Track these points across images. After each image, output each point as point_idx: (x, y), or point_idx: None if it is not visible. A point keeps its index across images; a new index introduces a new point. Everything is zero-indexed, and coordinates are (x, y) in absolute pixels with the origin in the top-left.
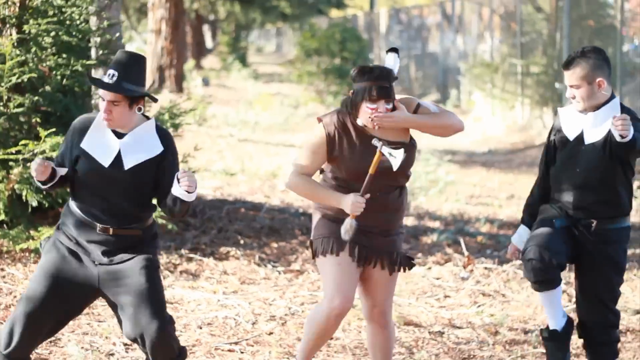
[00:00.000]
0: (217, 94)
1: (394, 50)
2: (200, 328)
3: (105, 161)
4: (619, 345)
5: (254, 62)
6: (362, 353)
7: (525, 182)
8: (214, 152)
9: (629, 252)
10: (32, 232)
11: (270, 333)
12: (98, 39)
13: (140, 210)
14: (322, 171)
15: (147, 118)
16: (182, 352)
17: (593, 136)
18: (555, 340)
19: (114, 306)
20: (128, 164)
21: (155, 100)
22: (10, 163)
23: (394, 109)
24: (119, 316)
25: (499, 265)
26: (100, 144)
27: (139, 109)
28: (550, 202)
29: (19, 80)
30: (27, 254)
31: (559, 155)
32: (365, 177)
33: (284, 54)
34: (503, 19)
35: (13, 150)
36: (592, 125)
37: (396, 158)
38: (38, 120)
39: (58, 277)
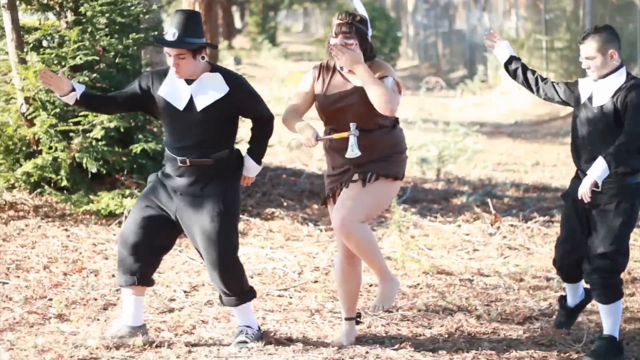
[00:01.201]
0: (249, 72)
1: None
2: (252, 277)
3: (180, 105)
4: (622, 287)
5: (283, 41)
6: (398, 297)
7: (549, 151)
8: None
9: None
10: (91, 197)
11: (315, 281)
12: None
13: (214, 144)
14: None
15: (211, 64)
16: (246, 293)
17: (600, 99)
18: (565, 309)
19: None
20: (199, 105)
21: (216, 47)
22: (71, 134)
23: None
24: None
25: (524, 222)
26: (174, 91)
27: (203, 58)
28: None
29: (80, 62)
30: (88, 216)
31: (574, 120)
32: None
33: (312, 33)
34: None
35: (74, 120)
36: (601, 90)
37: (352, 152)
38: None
39: (149, 203)
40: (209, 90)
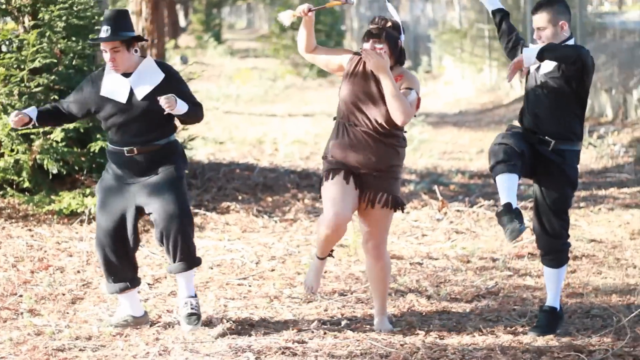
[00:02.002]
0: (195, 70)
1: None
2: (212, 268)
3: (123, 98)
4: (569, 254)
5: (228, 38)
6: (352, 282)
7: (493, 138)
8: (202, 124)
9: (587, 192)
10: (53, 197)
11: (272, 270)
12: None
13: (158, 131)
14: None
15: (144, 58)
16: (196, 257)
17: (547, 67)
18: (508, 212)
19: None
20: (140, 95)
21: (146, 40)
22: (32, 136)
23: (396, 63)
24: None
25: (470, 207)
26: (115, 87)
27: (136, 51)
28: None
29: (38, 65)
30: (50, 216)
31: (525, 86)
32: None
33: (256, 29)
34: None
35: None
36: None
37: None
38: (56, 97)
39: (111, 209)
40: (147, 79)
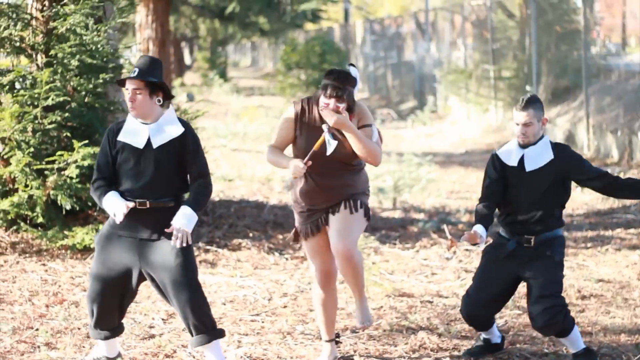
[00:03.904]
0: (202, 108)
1: (352, 65)
2: (224, 305)
3: (140, 144)
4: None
5: (233, 76)
6: None
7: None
8: (210, 161)
9: (594, 232)
10: (66, 232)
11: (285, 306)
12: (117, 60)
13: (172, 185)
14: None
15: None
16: (216, 329)
17: (534, 164)
18: (485, 343)
19: (153, 281)
20: (156, 143)
21: (173, 97)
22: (46, 172)
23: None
24: (159, 290)
25: (478, 247)
26: (133, 133)
27: (159, 101)
28: (501, 225)
29: (52, 102)
30: (63, 251)
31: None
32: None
33: (260, 67)
34: (475, 27)
35: (50, 159)
36: (533, 154)
37: (330, 145)
38: (68, 134)
39: (111, 261)
40: (166, 130)
